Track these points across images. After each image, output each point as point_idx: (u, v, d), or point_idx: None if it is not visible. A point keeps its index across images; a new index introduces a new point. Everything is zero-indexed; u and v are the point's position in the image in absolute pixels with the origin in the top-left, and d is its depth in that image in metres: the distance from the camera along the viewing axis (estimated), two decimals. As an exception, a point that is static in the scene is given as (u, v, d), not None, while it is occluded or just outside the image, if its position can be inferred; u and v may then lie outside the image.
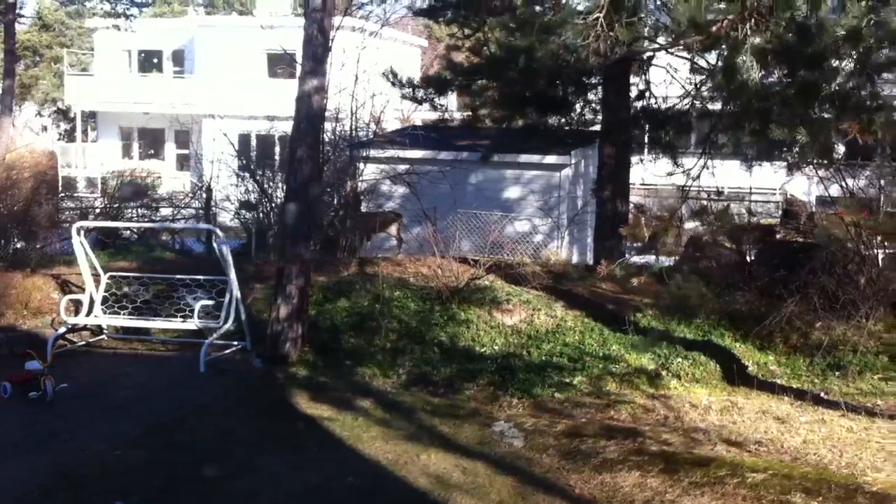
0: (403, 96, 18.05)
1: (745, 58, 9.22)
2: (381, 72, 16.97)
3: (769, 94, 10.93)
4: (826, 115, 10.95)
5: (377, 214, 16.80)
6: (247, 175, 17.68)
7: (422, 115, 25.75)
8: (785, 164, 16.59)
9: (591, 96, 17.65)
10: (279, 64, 29.50)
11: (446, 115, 20.08)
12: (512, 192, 18.42)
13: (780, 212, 23.94)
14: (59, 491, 7.09)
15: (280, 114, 18.09)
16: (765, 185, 23.17)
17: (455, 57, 20.17)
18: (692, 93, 15.05)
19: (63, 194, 21.24)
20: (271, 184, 17.17)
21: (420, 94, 17.90)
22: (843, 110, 10.65)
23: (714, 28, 9.26)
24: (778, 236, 15.75)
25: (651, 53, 14.57)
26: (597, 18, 9.59)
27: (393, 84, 17.24)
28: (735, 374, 10.59)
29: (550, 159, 18.06)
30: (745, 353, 11.30)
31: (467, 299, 12.04)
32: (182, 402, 9.33)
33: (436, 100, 17.96)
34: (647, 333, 11.51)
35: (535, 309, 12.04)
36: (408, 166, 17.19)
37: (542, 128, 18.06)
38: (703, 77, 14.77)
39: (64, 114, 40.39)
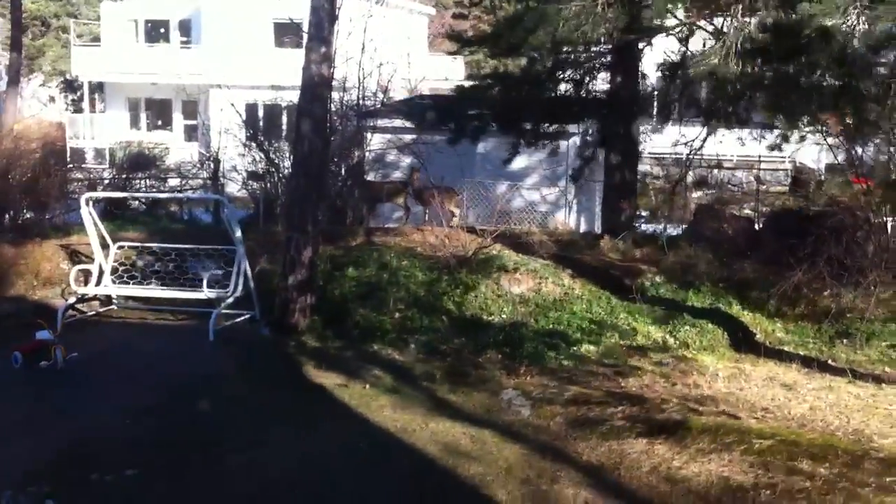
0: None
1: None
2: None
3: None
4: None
5: (385, 184, 16.79)
6: (254, 145, 17.66)
7: (429, 84, 25.60)
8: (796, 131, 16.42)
9: (598, 63, 17.45)
10: (286, 33, 29.35)
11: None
12: (519, 161, 18.33)
13: (789, 180, 23.85)
14: (69, 461, 7.14)
15: (287, 83, 18.01)
16: (774, 153, 22.97)
17: (460, 26, 19.97)
18: (700, 60, 14.89)
19: (71, 165, 21.25)
20: (278, 154, 17.15)
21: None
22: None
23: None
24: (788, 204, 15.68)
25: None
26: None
27: None
28: (742, 342, 10.62)
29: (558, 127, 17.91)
30: (753, 321, 11.31)
31: (475, 269, 12.05)
32: (191, 372, 9.39)
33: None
34: (654, 302, 11.52)
35: (542, 278, 12.05)
36: (414, 136, 17.13)
37: (549, 96, 17.87)
38: (712, 44, 14.63)
39: (71, 84, 40.22)
